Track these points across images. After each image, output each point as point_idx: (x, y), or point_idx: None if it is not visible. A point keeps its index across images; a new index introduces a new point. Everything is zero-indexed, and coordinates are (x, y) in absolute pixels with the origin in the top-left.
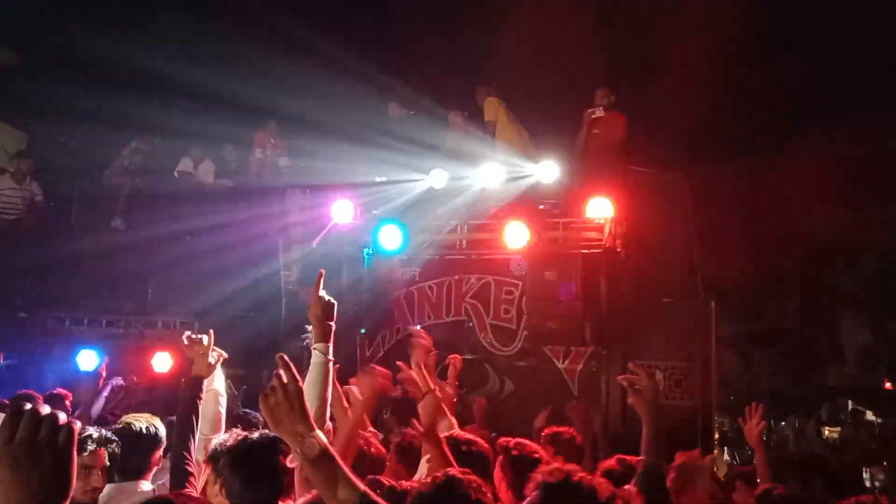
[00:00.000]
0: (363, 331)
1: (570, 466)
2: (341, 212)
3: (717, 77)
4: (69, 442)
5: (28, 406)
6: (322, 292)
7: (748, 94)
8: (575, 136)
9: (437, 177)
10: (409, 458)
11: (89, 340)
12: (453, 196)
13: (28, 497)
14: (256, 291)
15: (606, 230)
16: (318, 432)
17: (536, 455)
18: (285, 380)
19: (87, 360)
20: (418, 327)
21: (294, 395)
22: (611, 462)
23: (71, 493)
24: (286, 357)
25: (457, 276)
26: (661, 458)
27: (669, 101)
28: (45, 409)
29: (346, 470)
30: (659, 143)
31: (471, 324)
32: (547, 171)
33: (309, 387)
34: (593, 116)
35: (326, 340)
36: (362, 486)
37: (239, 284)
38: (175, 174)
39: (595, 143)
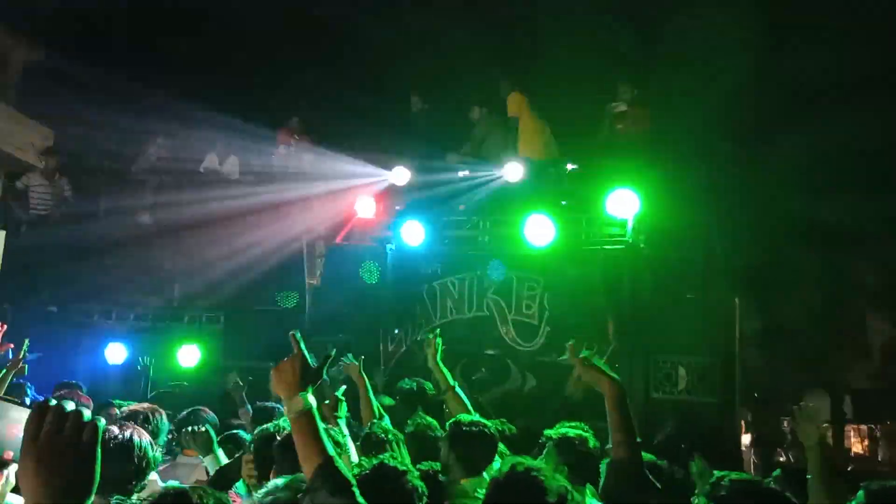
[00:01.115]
0: (397, 330)
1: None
2: (364, 207)
3: (734, 64)
4: (94, 439)
5: (53, 402)
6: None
7: (767, 82)
8: (597, 131)
9: (459, 172)
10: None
11: (117, 334)
12: (476, 192)
13: (52, 492)
14: (281, 287)
15: (629, 226)
16: (308, 396)
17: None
18: (295, 352)
19: (116, 353)
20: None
21: (297, 365)
22: None
23: (94, 490)
24: (297, 334)
25: (479, 272)
26: (682, 456)
27: (688, 91)
28: (70, 406)
29: (324, 436)
30: (681, 136)
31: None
32: (566, 166)
33: None
34: (616, 111)
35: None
36: (331, 453)
37: (264, 280)
38: (201, 170)
39: (620, 138)
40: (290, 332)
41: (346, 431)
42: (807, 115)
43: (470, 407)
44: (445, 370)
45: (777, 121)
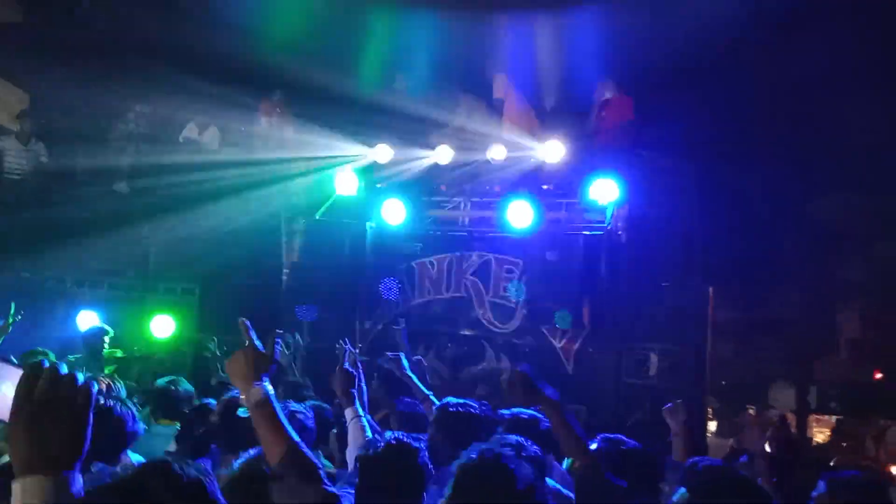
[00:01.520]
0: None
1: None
2: (345, 184)
3: (722, 59)
4: (87, 401)
5: (48, 364)
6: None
7: (754, 77)
8: (584, 118)
9: (442, 153)
10: None
11: (90, 302)
12: (458, 172)
13: (43, 453)
14: (259, 261)
15: (609, 212)
16: (265, 385)
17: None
18: (246, 343)
19: (87, 320)
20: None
21: (250, 355)
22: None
23: (84, 452)
24: (247, 322)
25: (458, 253)
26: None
27: (673, 84)
28: (64, 369)
29: (285, 423)
30: (663, 127)
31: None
32: (551, 151)
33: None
34: (602, 100)
35: (352, 405)
36: (294, 439)
37: (242, 254)
38: (180, 140)
39: (603, 124)
40: (240, 320)
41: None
42: (792, 110)
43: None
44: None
45: (761, 116)
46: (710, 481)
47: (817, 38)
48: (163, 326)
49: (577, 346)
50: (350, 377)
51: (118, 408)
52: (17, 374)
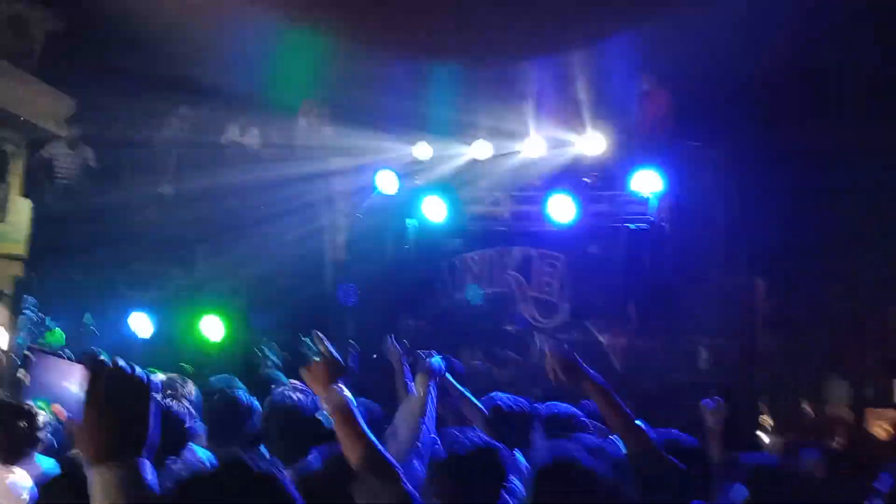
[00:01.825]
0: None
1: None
2: (385, 182)
3: (767, 49)
4: (148, 393)
5: (108, 360)
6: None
7: (798, 67)
8: (624, 110)
9: (480, 148)
10: None
11: (141, 304)
12: (497, 167)
13: (113, 442)
14: (303, 261)
15: (652, 204)
16: (340, 389)
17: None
18: (324, 353)
19: (139, 322)
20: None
21: (326, 364)
22: None
23: (147, 442)
24: (321, 335)
25: (499, 248)
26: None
27: (716, 73)
28: (124, 364)
29: (363, 425)
30: (706, 116)
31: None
32: (592, 143)
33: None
34: (642, 92)
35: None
36: (372, 440)
37: (286, 253)
38: (222, 141)
39: (643, 117)
40: (314, 333)
41: None
42: (837, 105)
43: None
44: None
45: (809, 108)
46: (775, 482)
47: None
48: (213, 327)
49: (623, 340)
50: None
51: (175, 406)
52: (77, 371)
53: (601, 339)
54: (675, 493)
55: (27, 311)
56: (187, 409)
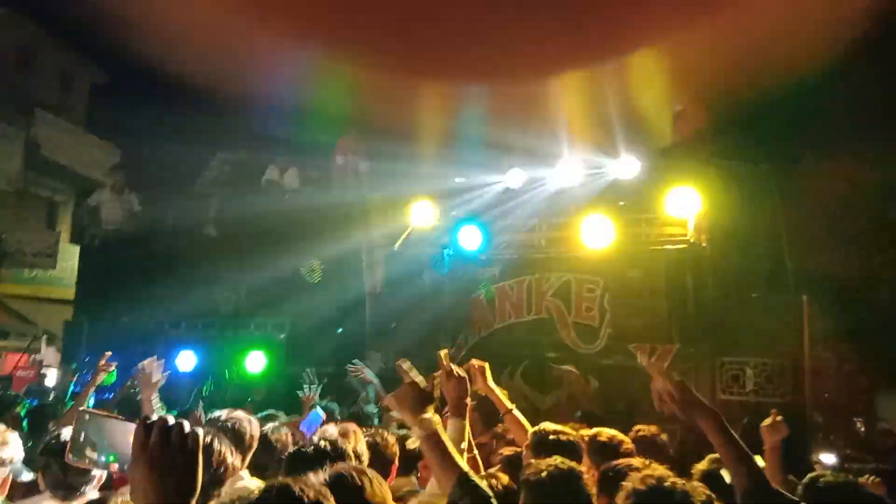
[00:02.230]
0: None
1: (661, 471)
2: (421, 214)
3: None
4: (196, 446)
5: (156, 417)
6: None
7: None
8: (656, 132)
9: (514, 176)
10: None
11: (187, 342)
12: (532, 195)
13: (162, 494)
14: (343, 294)
15: (690, 225)
16: (430, 416)
17: (625, 445)
18: (410, 380)
19: (186, 360)
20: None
21: (415, 390)
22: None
23: (198, 491)
24: (408, 363)
25: (537, 275)
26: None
27: (757, 90)
28: (172, 420)
29: (453, 451)
30: (746, 132)
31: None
32: (626, 166)
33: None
34: (676, 110)
35: (462, 417)
36: (465, 467)
37: (325, 286)
38: (262, 182)
39: (677, 137)
40: (398, 362)
41: None
42: (882, 122)
43: (529, 427)
44: (500, 392)
45: (849, 127)
46: (837, 497)
47: None
48: (256, 362)
49: (667, 363)
50: (463, 384)
51: (214, 442)
52: (130, 429)
53: (644, 363)
54: None
55: None
56: (229, 446)
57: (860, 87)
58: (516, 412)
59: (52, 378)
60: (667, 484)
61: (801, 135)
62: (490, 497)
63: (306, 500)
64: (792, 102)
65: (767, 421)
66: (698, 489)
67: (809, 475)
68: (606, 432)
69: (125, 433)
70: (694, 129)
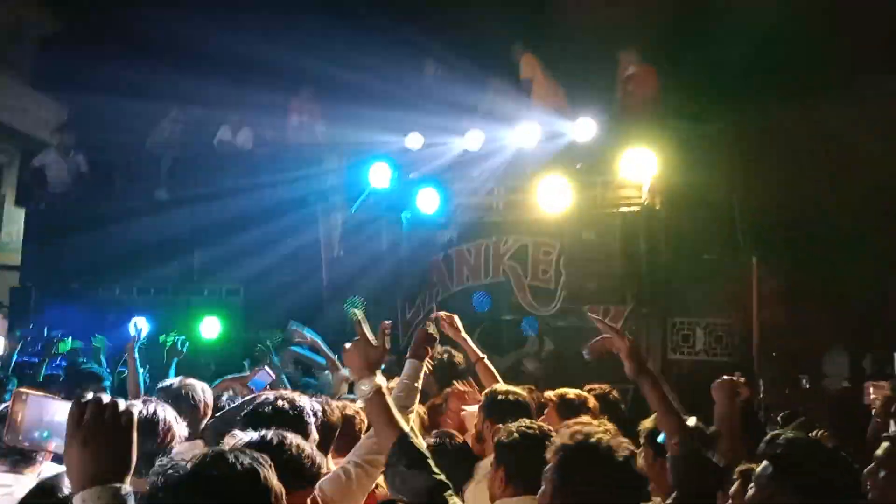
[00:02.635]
0: (415, 300)
1: (591, 427)
2: (378, 176)
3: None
4: (130, 423)
5: (90, 395)
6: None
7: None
8: (611, 95)
9: (472, 138)
10: None
11: (139, 309)
12: (489, 157)
13: (97, 469)
14: (298, 258)
15: (645, 188)
16: (376, 377)
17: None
18: (363, 335)
19: (138, 326)
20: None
21: (365, 347)
22: None
23: (133, 466)
24: (361, 313)
25: (494, 238)
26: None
27: (712, 43)
28: (106, 398)
29: (395, 413)
30: (698, 91)
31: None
32: (583, 129)
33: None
34: (626, 74)
35: (420, 360)
36: (406, 427)
37: (281, 251)
38: (214, 143)
39: (630, 100)
40: (353, 312)
41: None
42: (844, 68)
43: (499, 377)
44: (471, 342)
45: (810, 75)
46: (799, 453)
47: None
48: (211, 328)
49: (619, 324)
50: (432, 340)
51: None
52: (66, 406)
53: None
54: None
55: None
56: (174, 415)
57: (812, 39)
58: (487, 361)
59: None
60: (592, 440)
61: (754, 93)
62: (427, 456)
63: (240, 467)
64: (744, 60)
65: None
66: (623, 444)
67: (770, 433)
68: (573, 391)
69: (62, 412)
70: (645, 92)
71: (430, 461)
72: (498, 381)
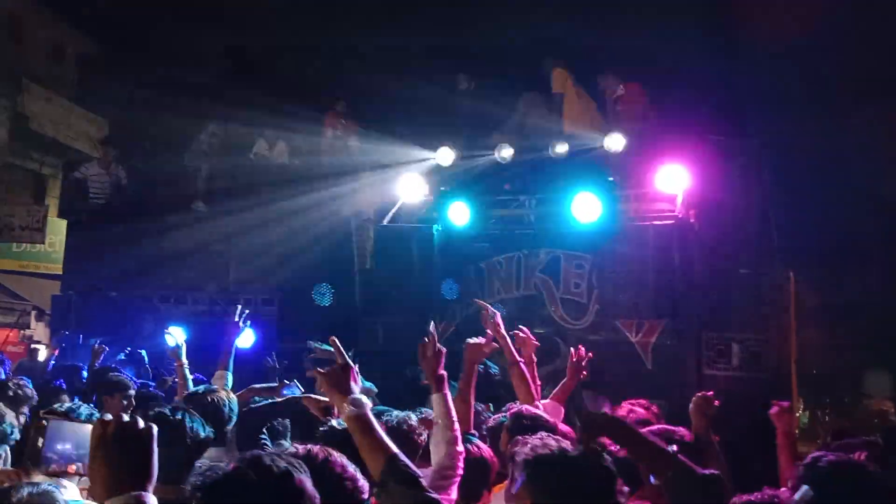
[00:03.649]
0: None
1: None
2: (410, 189)
3: (799, 30)
4: (150, 439)
5: (109, 417)
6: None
7: (835, 47)
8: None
9: (503, 151)
10: None
11: (176, 318)
12: (521, 170)
13: (120, 480)
14: (332, 270)
15: (679, 200)
16: (358, 398)
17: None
18: (339, 361)
19: (175, 336)
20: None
21: (343, 372)
22: None
23: (154, 478)
24: (337, 341)
25: (526, 251)
26: (735, 433)
27: (745, 61)
28: (126, 417)
29: (382, 435)
30: (733, 106)
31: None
32: (615, 141)
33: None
34: (615, 96)
35: (440, 390)
36: (393, 450)
37: (316, 263)
38: (251, 156)
39: (624, 117)
40: (331, 338)
41: None
42: (879, 84)
43: (532, 385)
44: (511, 343)
45: (849, 96)
46: (839, 478)
47: None
48: (246, 338)
49: (653, 339)
50: (440, 356)
51: (186, 418)
52: (85, 428)
53: (631, 337)
54: None
55: None
56: (201, 421)
57: (848, 55)
58: (523, 366)
59: (42, 354)
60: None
61: (786, 109)
62: (418, 477)
63: (275, 469)
64: (775, 75)
65: (774, 409)
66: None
67: (811, 455)
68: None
69: (82, 434)
70: (636, 108)
71: (422, 480)
72: (531, 388)
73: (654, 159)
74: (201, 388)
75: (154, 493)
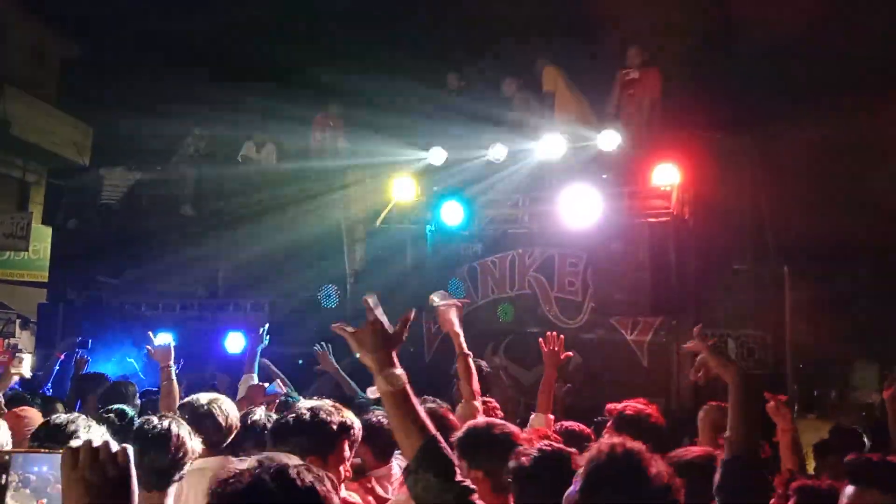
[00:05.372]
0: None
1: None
2: (402, 190)
3: (790, 29)
4: (127, 461)
5: (81, 441)
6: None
7: (826, 46)
8: (607, 99)
9: (497, 150)
10: None
11: (164, 324)
12: (515, 169)
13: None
14: (322, 272)
15: (673, 197)
16: (392, 372)
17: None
18: (374, 318)
19: (163, 342)
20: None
21: (375, 331)
22: None
23: (135, 499)
24: (370, 300)
25: (520, 250)
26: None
27: (739, 58)
28: (98, 441)
29: (422, 413)
30: (726, 104)
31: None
32: (608, 139)
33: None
34: (627, 78)
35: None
36: (432, 431)
37: (305, 265)
38: (238, 159)
39: (630, 103)
40: (364, 297)
41: None
42: (870, 82)
43: (475, 378)
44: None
45: (842, 93)
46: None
47: None
48: (236, 343)
49: (649, 337)
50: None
51: (172, 426)
52: (55, 458)
53: (627, 335)
54: None
55: None
56: (189, 430)
57: (841, 54)
58: (470, 360)
59: (27, 362)
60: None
61: (780, 106)
62: (453, 464)
63: (300, 483)
64: (771, 70)
65: (771, 405)
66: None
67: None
68: (633, 406)
69: (51, 464)
70: (648, 94)
71: (456, 467)
72: (474, 381)
73: (648, 156)
74: (203, 395)
75: (138, 500)
